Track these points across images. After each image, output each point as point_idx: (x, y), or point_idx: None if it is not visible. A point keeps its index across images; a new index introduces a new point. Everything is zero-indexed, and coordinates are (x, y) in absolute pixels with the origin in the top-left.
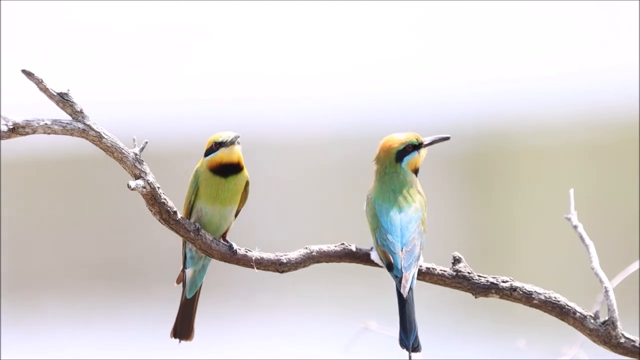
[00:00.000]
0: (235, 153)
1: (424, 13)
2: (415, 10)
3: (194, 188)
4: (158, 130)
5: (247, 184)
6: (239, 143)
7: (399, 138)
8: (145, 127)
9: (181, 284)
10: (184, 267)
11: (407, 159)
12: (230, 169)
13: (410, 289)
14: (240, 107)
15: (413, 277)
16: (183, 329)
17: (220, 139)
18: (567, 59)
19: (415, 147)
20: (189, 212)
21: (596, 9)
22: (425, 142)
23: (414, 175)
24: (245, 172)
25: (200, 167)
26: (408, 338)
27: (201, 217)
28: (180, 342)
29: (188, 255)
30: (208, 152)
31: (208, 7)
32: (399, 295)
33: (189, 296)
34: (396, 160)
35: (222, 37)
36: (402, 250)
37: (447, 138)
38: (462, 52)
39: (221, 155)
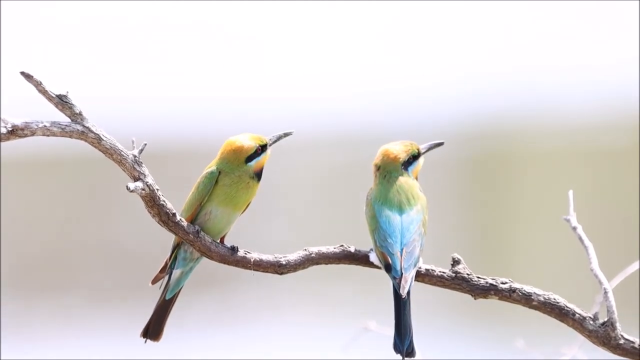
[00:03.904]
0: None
1: (424, 11)
2: (415, 8)
3: (208, 189)
4: (156, 130)
5: None
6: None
7: (402, 148)
8: (143, 126)
9: (157, 284)
10: (172, 267)
11: (411, 169)
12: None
13: (408, 292)
14: (240, 108)
15: (411, 279)
16: (154, 329)
17: (265, 142)
18: (567, 61)
19: (416, 157)
20: (196, 214)
21: (598, 10)
22: (422, 151)
23: (413, 179)
24: None
25: (230, 169)
26: (402, 343)
27: (208, 220)
28: (146, 341)
29: (180, 257)
30: (252, 157)
31: (208, 6)
32: (396, 298)
33: (168, 297)
34: (403, 170)
35: (225, 37)
36: (401, 252)
37: (441, 144)
38: (462, 55)
39: (266, 157)
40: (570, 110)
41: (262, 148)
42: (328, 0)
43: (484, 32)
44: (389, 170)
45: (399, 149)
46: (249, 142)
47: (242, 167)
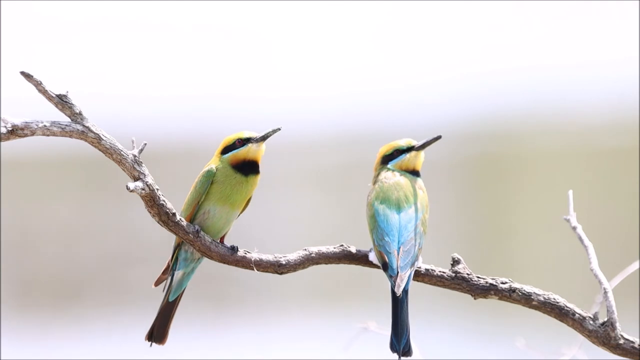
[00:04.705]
0: (262, 150)
1: (425, 11)
2: (415, 8)
3: (205, 187)
4: (156, 130)
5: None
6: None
7: (390, 144)
8: (143, 126)
9: (160, 286)
10: (174, 269)
11: (392, 163)
12: (251, 168)
13: (405, 291)
14: (240, 108)
15: (409, 277)
16: (159, 332)
17: (246, 135)
18: (567, 61)
19: (403, 151)
20: (194, 213)
21: (598, 11)
22: (417, 145)
23: (415, 177)
24: (259, 173)
25: (218, 165)
26: (399, 342)
27: (207, 219)
28: (151, 345)
29: (181, 257)
30: (228, 150)
31: (209, 6)
32: (393, 297)
33: (171, 299)
34: (382, 163)
35: (226, 37)
36: (398, 250)
37: (439, 137)
38: (462, 55)
39: (247, 151)
40: (570, 111)
41: (242, 142)
42: (329, 1)
43: (484, 33)
44: (377, 167)
45: (387, 145)
46: (230, 135)
47: (222, 160)
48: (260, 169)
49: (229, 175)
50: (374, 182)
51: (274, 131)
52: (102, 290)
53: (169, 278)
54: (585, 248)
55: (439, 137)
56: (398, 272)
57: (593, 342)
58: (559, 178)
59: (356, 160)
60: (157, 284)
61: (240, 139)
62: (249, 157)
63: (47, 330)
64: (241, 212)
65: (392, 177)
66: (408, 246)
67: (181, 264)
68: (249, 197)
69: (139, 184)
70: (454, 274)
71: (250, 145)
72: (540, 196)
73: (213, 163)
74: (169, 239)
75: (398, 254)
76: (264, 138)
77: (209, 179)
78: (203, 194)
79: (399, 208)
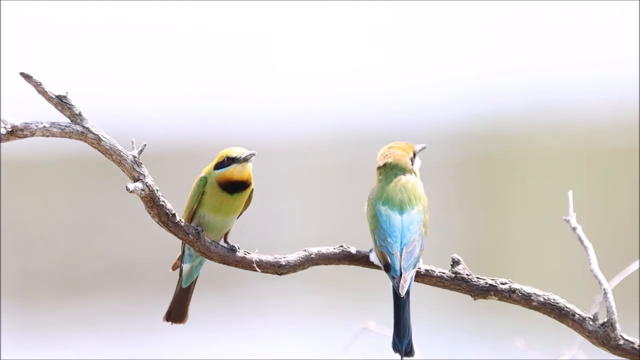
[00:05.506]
0: (246, 171)
1: (425, 11)
2: (415, 8)
3: (197, 196)
4: (156, 130)
5: (251, 191)
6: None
7: (405, 148)
8: (143, 126)
9: (177, 271)
10: (182, 262)
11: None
12: (238, 186)
13: (407, 292)
14: (240, 108)
15: (411, 279)
16: (177, 313)
17: (233, 155)
18: (567, 61)
19: (414, 157)
20: (191, 217)
21: (597, 10)
22: (417, 150)
23: (417, 178)
24: (251, 186)
25: (208, 178)
26: (401, 342)
27: (202, 224)
28: (172, 324)
29: (186, 253)
30: (219, 166)
31: (209, 6)
32: (395, 298)
33: (184, 286)
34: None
35: (226, 36)
36: (401, 251)
37: (424, 147)
38: (462, 55)
39: (232, 172)
40: (570, 111)
41: (230, 160)
42: (329, 0)
43: (484, 33)
44: (400, 169)
45: (405, 148)
46: (224, 150)
47: (213, 174)
48: (253, 182)
49: (215, 191)
50: (380, 181)
51: (251, 155)
52: (102, 290)
53: (180, 269)
54: (585, 249)
55: (423, 147)
56: (401, 274)
57: (593, 343)
58: (559, 178)
59: (356, 160)
60: (173, 268)
61: (229, 158)
62: (235, 178)
63: (48, 330)
64: (241, 213)
65: (401, 179)
66: (411, 247)
67: (187, 258)
68: (243, 204)
69: (139, 184)
70: (453, 275)
71: (235, 166)
72: (540, 197)
73: (208, 173)
74: (170, 239)
75: (401, 255)
76: (245, 159)
77: (200, 189)
78: (196, 202)
79: (401, 209)
